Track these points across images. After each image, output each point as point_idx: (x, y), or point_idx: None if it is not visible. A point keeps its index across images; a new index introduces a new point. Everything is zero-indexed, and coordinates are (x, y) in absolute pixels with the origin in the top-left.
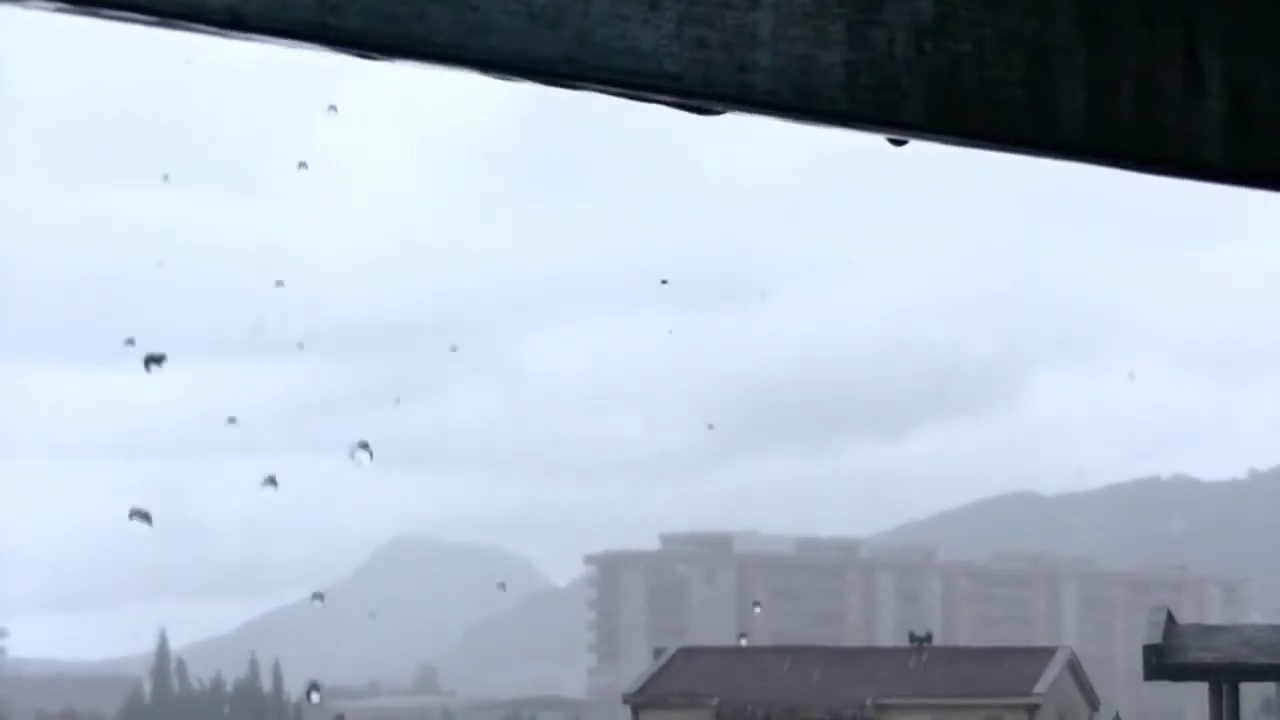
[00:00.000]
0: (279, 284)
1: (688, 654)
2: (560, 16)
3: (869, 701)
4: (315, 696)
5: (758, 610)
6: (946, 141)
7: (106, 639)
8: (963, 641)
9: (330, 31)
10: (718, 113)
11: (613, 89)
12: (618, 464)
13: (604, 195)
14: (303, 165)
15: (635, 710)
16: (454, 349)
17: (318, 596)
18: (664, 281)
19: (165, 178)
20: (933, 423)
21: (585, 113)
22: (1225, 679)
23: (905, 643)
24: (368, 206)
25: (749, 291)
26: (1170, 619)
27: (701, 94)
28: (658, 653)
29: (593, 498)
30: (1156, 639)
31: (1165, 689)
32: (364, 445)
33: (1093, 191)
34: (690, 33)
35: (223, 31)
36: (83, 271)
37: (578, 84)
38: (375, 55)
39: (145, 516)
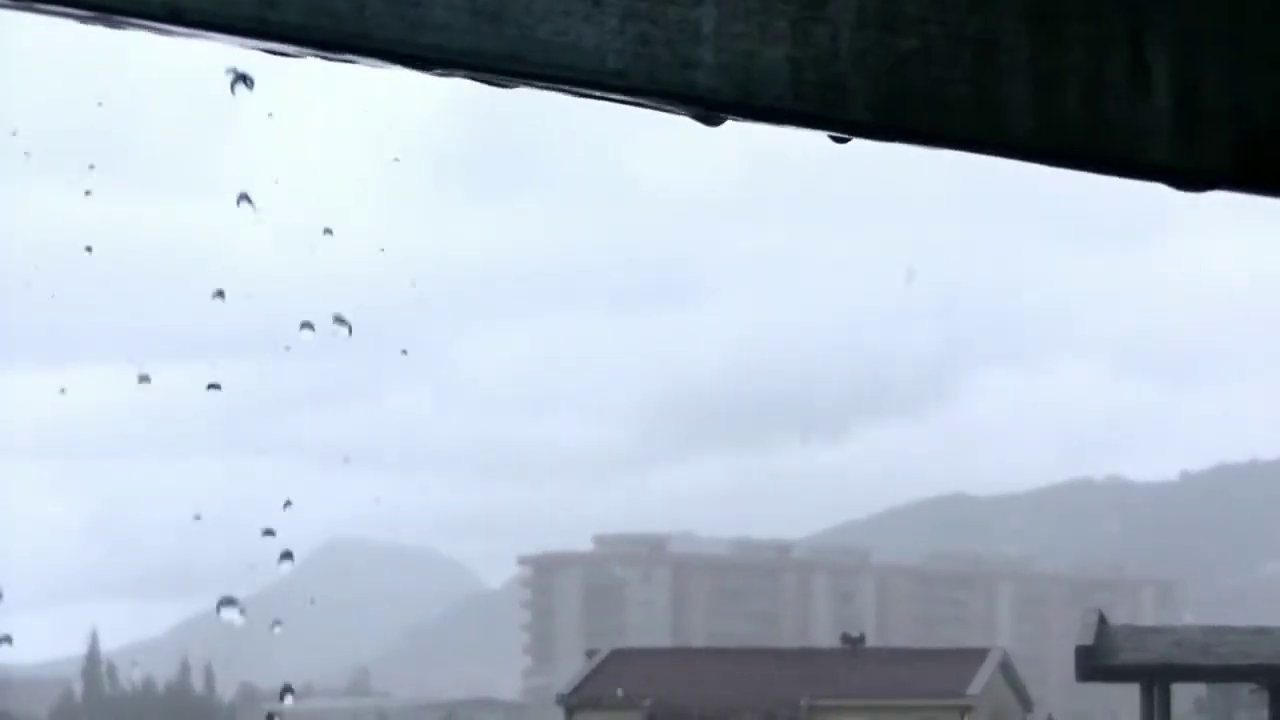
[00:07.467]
0: (219, 293)
1: (621, 655)
2: (502, 12)
3: (803, 703)
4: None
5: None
6: (892, 140)
7: (42, 641)
8: (898, 642)
9: (270, 27)
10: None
11: (556, 86)
12: (552, 465)
13: (539, 194)
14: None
15: (569, 712)
16: (404, 352)
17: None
18: None
19: (87, 192)
20: (868, 424)
21: (524, 110)
22: (1157, 680)
23: (840, 643)
24: (303, 205)
25: (686, 292)
26: (1103, 620)
27: (645, 91)
28: (591, 654)
29: (527, 499)
30: (1089, 640)
31: (1100, 690)
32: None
33: (1027, 191)
34: (633, 29)
35: (161, 26)
36: (10, 274)
37: (520, 81)
38: (315, 52)
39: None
